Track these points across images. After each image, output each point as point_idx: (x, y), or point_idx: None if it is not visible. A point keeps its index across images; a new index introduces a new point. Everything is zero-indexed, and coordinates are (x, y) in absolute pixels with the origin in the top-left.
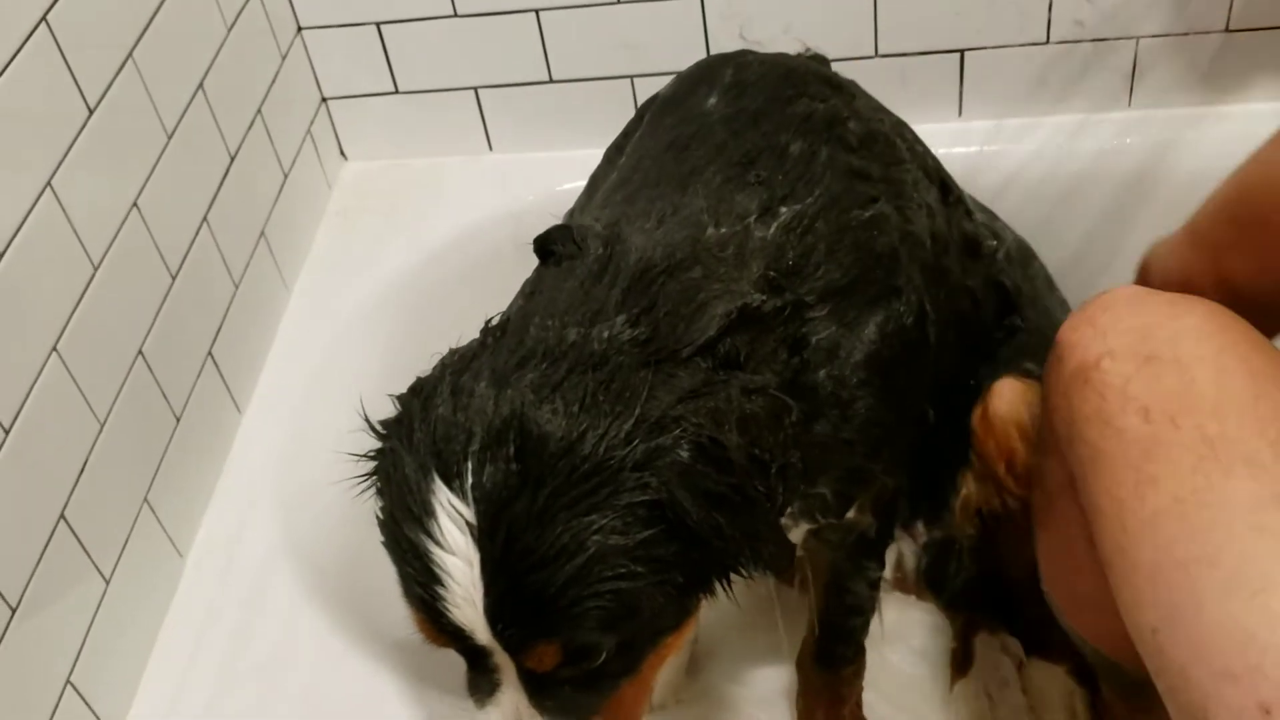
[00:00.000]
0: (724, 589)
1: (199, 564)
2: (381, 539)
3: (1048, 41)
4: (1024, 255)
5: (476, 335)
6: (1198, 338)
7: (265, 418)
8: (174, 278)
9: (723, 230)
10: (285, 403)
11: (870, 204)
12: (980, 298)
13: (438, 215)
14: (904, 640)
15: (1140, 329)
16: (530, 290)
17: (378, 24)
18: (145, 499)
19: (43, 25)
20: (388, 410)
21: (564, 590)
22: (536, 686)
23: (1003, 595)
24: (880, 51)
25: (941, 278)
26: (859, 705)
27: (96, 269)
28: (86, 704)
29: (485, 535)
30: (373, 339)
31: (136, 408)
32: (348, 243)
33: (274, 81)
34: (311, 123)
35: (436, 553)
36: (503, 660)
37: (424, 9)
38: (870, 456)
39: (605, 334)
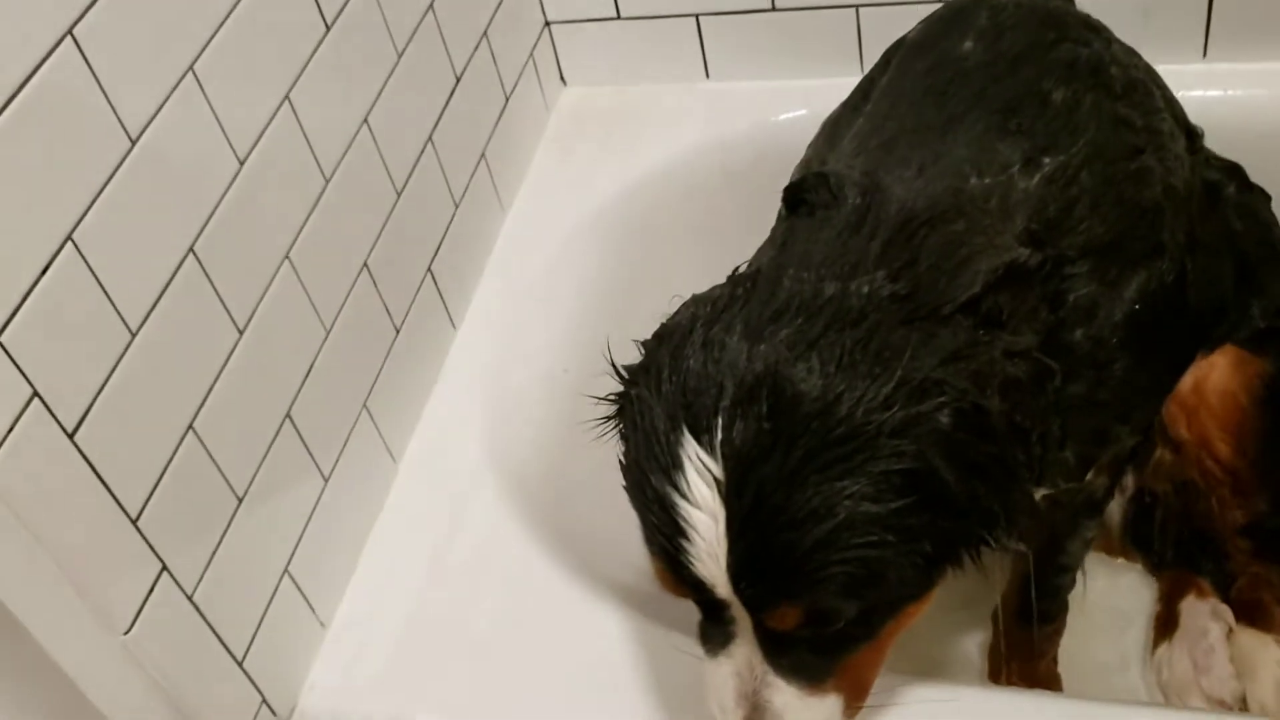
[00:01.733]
0: (972, 559)
1: (411, 469)
2: (623, 483)
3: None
4: (1259, 210)
5: (683, 260)
6: None
7: (478, 334)
8: (399, 194)
9: (985, 181)
10: (498, 320)
11: (1136, 155)
12: (1218, 255)
13: (652, 141)
14: (1107, 600)
15: None
16: (782, 240)
17: None
18: (365, 405)
19: None
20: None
21: (810, 554)
22: (772, 644)
23: (1215, 559)
24: None
25: (1192, 229)
26: (1055, 661)
27: (328, 182)
28: (301, 593)
29: (733, 492)
30: (584, 262)
31: (360, 317)
32: (563, 167)
33: (500, 5)
34: (534, 47)
35: (682, 505)
36: (740, 615)
37: None
38: (1121, 419)
39: (864, 289)
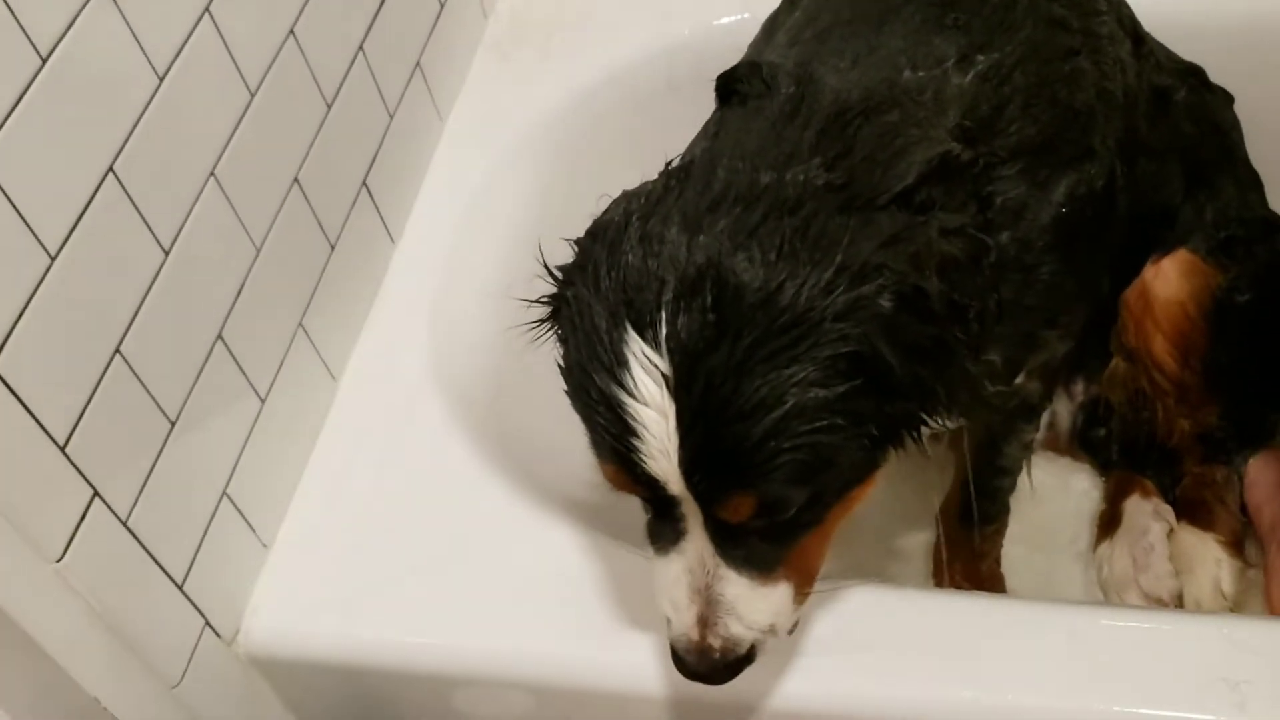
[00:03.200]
0: (914, 440)
1: (351, 388)
2: (564, 387)
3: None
4: (1215, 113)
5: (629, 172)
6: None
7: (418, 248)
8: (329, 106)
9: (920, 74)
10: (438, 234)
11: (1070, 56)
12: (1164, 160)
13: (593, 48)
14: (1050, 499)
15: None
16: (715, 131)
17: None
18: (300, 323)
19: None
20: (538, 248)
21: (761, 443)
22: (722, 537)
23: (1161, 460)
24: None
25: (1132, 138)
26: (997, 562)
27: (253, 95)
28: (241, 514)
29: (681, 386)
30: (526, 172)
31: (292, 235)
32: (503, 75)
33: None
34: None
35: (630, 404)
36: (691, 510)
37: None
38: (1048, 323)
39: (800, 178)
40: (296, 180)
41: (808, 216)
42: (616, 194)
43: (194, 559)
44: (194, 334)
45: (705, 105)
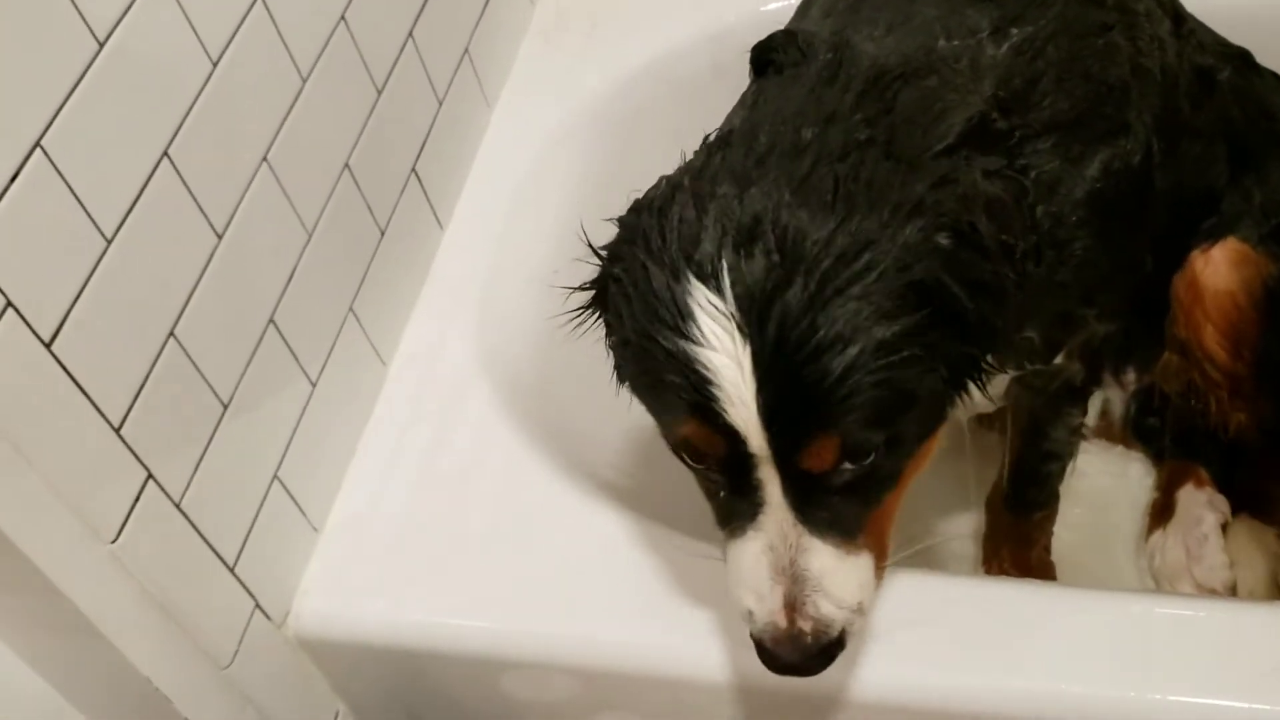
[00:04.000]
0: (978, 385)
1: (400, 373)
2: (620, 363)
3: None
4: (1263, 97)
5: (674, 158)
6: None
7: (467, 234)
8: (379, 92)
9: (955, 43)
10: (486, 220)
11: (1104, 31)
12: (1209, 142)
13: (639, 35)
14: (1104, 487)
15: None
16: (753, 101)
17: None
18: (351, 308)
19: None
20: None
21: (842, 379)
22: (804, 499)
23: (1213, 450)
24: None
25: (1172, 117)
26: (1047, 549)
27: (305, 81)
28: (292, 498)
29: (753, 330)
30: (573, 159)
31: (343, 219)
32: (549, 62)
33: None
34: None
35: (700, 354)
36: (768, 473)
37: None
38: (1084, 301)
39: (842, 134)
40: (347, 166)
41: (855, 164)
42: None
43: (245, 541)
44: (246, 318)
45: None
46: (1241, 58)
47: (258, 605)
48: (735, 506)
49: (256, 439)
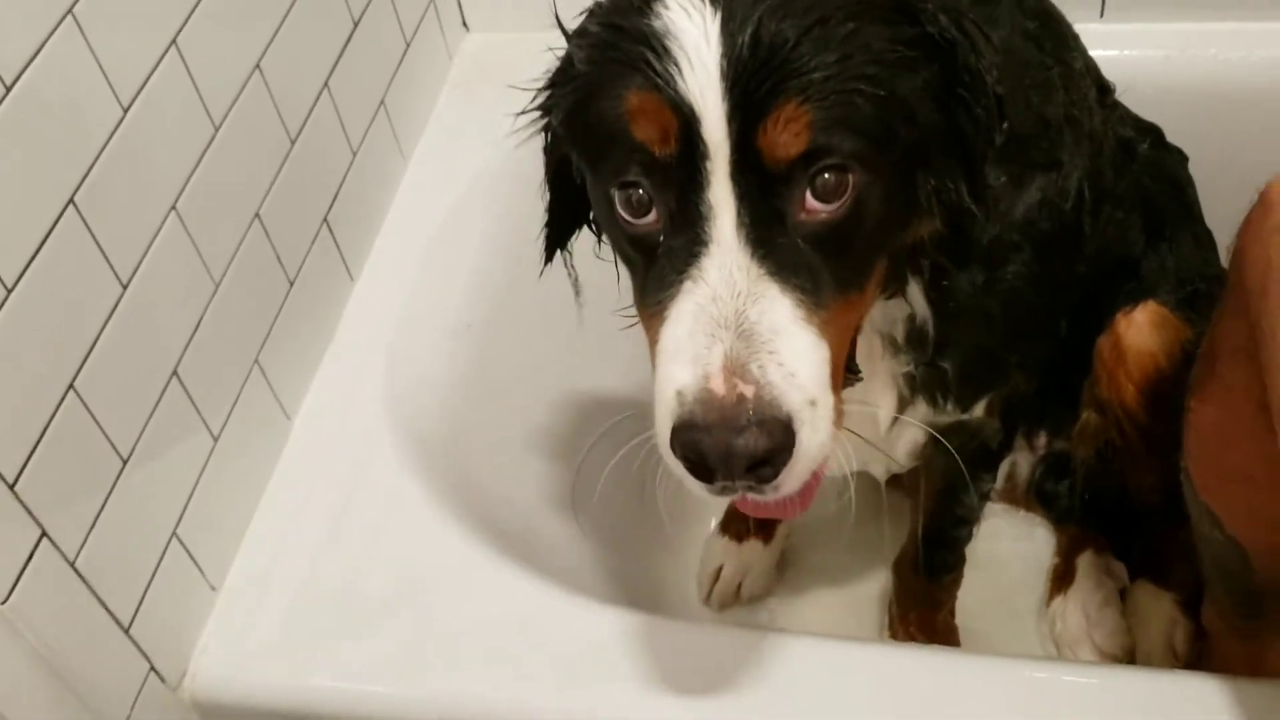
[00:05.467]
0: (941, 202)
1: (306, 427)
2: (572, 90)
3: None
4: (1173, 171)
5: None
6: None
7: (378, 286)
8: (293, 142)
9: None
10: (398, 272)
11: (1042, 69)
12: (1129, 209)
13: None
14: (1008, 551)
15: None
16: None
17: None
18: (256, 361)
19: None
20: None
21: (819, 49)
22: (762, 234)
23: (1116, 517)
24: None
25: (1098, 181)
26: (952, 613)
27: (217, 129)
28: (191, 556)
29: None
30: (488, 211)
31: (251, 270)
32: (466, 115)
33: None
34: None
35: (661, 21)
36: (720, 194)
37: None
38: (1007, 342)
39: None
40: (258, 216)
41: None
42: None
43: (141, 601)
44: (149, 370)
45: None
46: (1155, 133)
47: (152, 667)
48: (674, 253)
49: (155, 495)
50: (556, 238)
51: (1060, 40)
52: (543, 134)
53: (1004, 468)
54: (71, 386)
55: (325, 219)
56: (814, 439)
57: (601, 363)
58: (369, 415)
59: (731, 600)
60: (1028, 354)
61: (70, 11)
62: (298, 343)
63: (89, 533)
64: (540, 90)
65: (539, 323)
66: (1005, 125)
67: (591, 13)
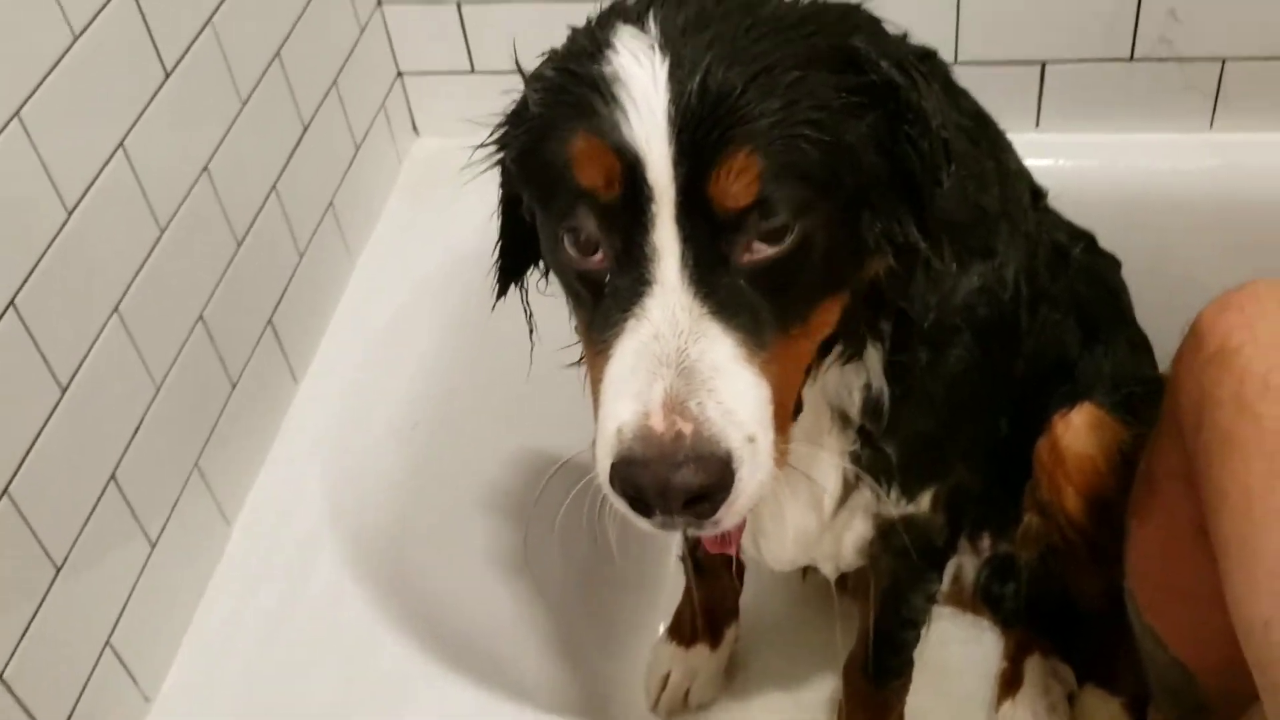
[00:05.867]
0: (892, 243)
1: (245, 533)
2: (525, 130)
3: (1132, 58)
4: (1106, 275)
5: (542, 321)
6: None
7: (322, 388)
8: (239, 244)
9: None
10: (342, 375)
11: (978, 162)
12: (1064, 313)
13: None
14: (953, 655)
15: None
16: None
17: (458, 2)
18: (196, 464)
19: None
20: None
21: (765, 96)
22: (705, 274)
23: (1062, 620)
24: (960, 59)
25: (1034, 277)
26: (902, 717)
27: (163, 231)
28: (125, 667)
29: (675, 47)
30: (434, 314)
31: (193, 372)
32: (415, 218)
33: (351, 54)
34: (386, 96)
35: (611, 67)
36: (665, 236)
37: None
38: (948, 430)
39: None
40: (201, 318)
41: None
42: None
43: (71, 714)
44: (86, 474)
45: None
46: (1088, 239)
47: None
48: (620, 293)
49: (89, 603)
50: (509, 273)
51: (994, 140)
52: (498, 170)
53: (950, 570)
54: (5, 492)
55: (270, 320)
56: (753, 476)
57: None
58: (310, 519)
59: (680, 707)
60: (971, 445)
61: (17, 114)
62: (239, 446)
63: (19, 643)
64: (496, 128)
65: (485, 424)
66: (952, 168)
67: (548, 58)
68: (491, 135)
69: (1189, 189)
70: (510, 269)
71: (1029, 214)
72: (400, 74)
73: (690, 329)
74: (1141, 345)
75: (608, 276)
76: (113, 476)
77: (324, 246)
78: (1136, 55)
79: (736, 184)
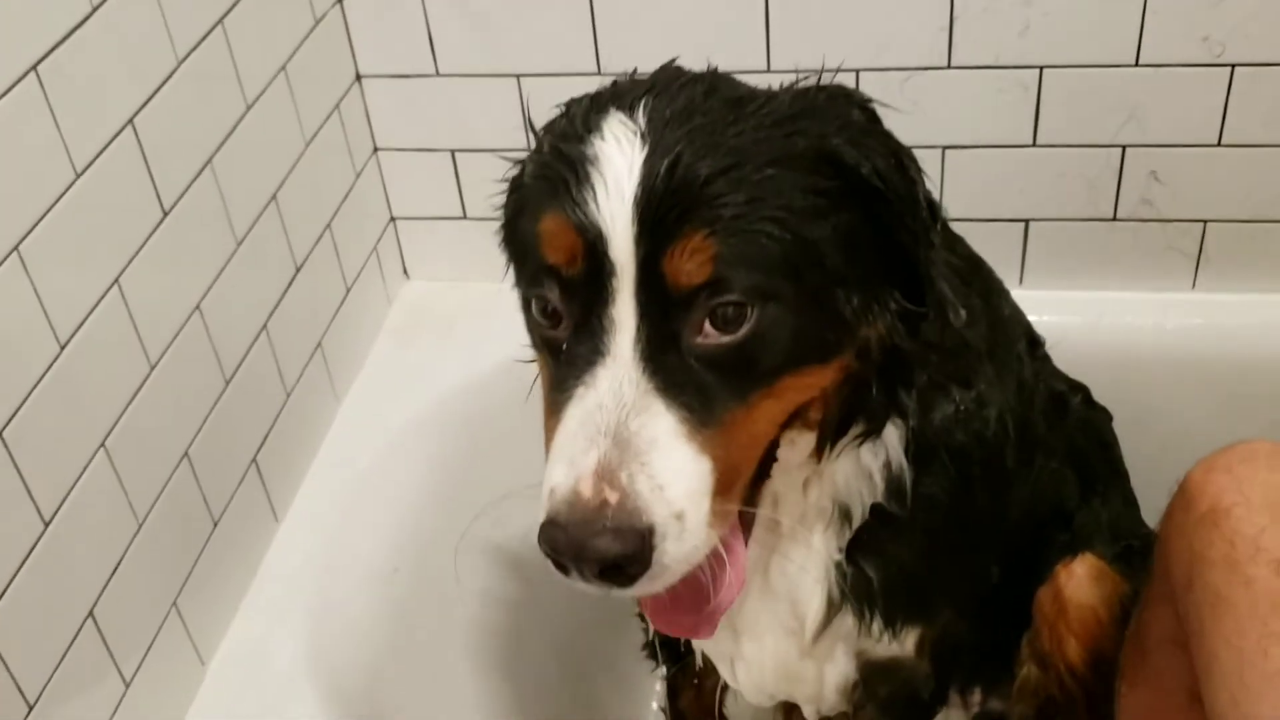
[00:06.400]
0: (877, 318)
1: (220, 674)
2: (514, 200)
3: (1115, 218)
4: (1101, 429)
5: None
6: None
7: (303, 528)
8: (227, 383)
9: None
10: (323, 516)
11: (966, 299)
12: (1062, 462)
13: (493, 340)
14: None
15: (1278, 484)
16: None
17: (452, 151)
18: (174, 603)
19: (129, 128)
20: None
21: (731, 188)
22: (655, 352)
23: None
24: (946, 216)
25: (1028, 430)
26: None
27: (153, 368)
28: None
29: (655, 136)
30: (417, 458)
31: (176, 510)
32: (402, 360)
33: (346, 198)
34: (378, 240)
35: (591, 149)
36: (623, 310)
37: (499, 141)
38: (932, 565)
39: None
40: (187, 455)
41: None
42: (515, 488)
43: None
44: (65, 611)
45: None
46: (1084, 390)
47: None
48: (575, 360)
49: None
50: None
51: (987, 284)
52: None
53: None
54: None
55: (254, 459)
56: (677, 549)
57: (533, 612)
58: (287, 661)
59: None
60: (957, 585)
61: (16, 249)
62: (218, 585)
63: None
64: (505, 191)
65: (466, 569)
66: (940, 225)
67: (548, 129)
68: (503, 195)
69: (1172, 347)
70: None
71: (1025, 361)
72: (393, 218)
73: (634, 402)
74: (1133, 500)
75: (564, 345)
76: (90, 613)
77: (311, 386)
78: (1119, 215)
79: (690, 262)
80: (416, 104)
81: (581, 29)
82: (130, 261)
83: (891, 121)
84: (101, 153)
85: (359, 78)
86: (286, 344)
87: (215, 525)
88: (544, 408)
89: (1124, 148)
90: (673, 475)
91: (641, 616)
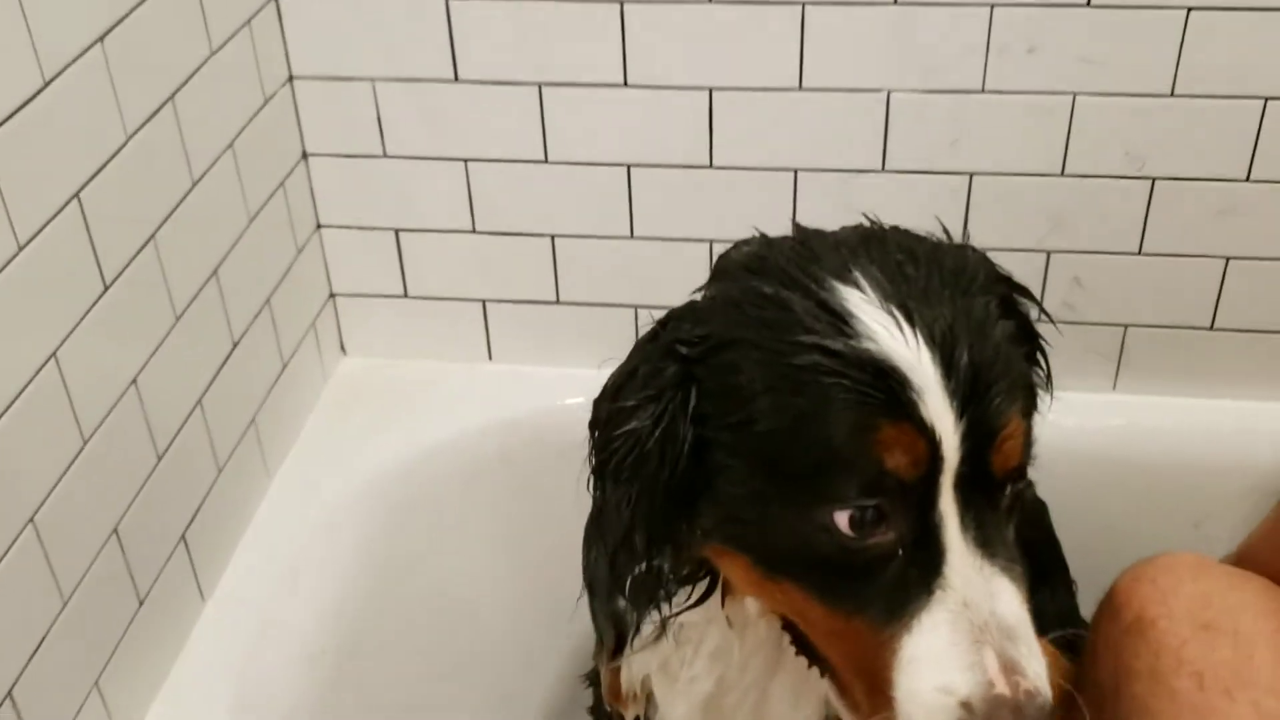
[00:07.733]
0: None
1: None
2: (737, 403)
3: (1038, 320)
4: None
5: (456, 540)
6: (1256, 614)
7: (229, 607)
8: (160, 458)
9: None
10: (251, 594)
11: None
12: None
13: (429, 417)
14: None
15: (1200, 596)
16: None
17: (396, 230)
18: (96, 683)
19: (74, 202)
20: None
21: (1004, 370)
22: (980, 532)
23: None
24: None
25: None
26: None
27: (85, 443)
28: None
29: (918, 317)
30: (349, 536)
31: (102, 587)
32: (336, 436)
33: (286, 274)
34: (317, 317)
35: (872, 346)
36: (946, 505)
37: (443, 222)
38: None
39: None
40: (116, 531)
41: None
42: (449, 568)
43: None
44: None
45: (538, 479)
46: (1030, 484)
47: None
48: (907, 578)
49: None
50: (656, 525)
51: None
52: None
53: None
54: None
55: (183, 536)
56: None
57: (465, 695)
58: None
59: None
60: None
61: None
62: (141, 665)
63: None
64: (662, 391)
65: (399, 651)
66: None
67: (735, 308)
68: (658, 400)
69: (1094, 447)
70: (659, 521)
71: None
72: (333, 294)
73: (989, 589)
74: (1072, 593)
75: (899, 550)
76: (9, 693)
77: (242, 463)
78: (1041, 318)
79: (1013, 450)
80: (362, 182)
81: (530, 118)
82: (69, 335)
83: (831, 220)
84: (46, 226)
85: (305, 155)
86: (220, 419)
87: (141, 604)
88: (865, 632)
89: (1049, 253)
90: (1035, 640)
91: (590, 679)
